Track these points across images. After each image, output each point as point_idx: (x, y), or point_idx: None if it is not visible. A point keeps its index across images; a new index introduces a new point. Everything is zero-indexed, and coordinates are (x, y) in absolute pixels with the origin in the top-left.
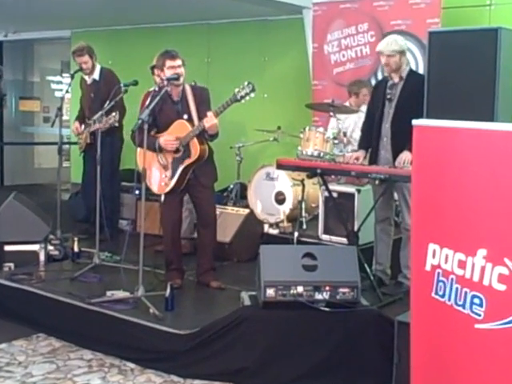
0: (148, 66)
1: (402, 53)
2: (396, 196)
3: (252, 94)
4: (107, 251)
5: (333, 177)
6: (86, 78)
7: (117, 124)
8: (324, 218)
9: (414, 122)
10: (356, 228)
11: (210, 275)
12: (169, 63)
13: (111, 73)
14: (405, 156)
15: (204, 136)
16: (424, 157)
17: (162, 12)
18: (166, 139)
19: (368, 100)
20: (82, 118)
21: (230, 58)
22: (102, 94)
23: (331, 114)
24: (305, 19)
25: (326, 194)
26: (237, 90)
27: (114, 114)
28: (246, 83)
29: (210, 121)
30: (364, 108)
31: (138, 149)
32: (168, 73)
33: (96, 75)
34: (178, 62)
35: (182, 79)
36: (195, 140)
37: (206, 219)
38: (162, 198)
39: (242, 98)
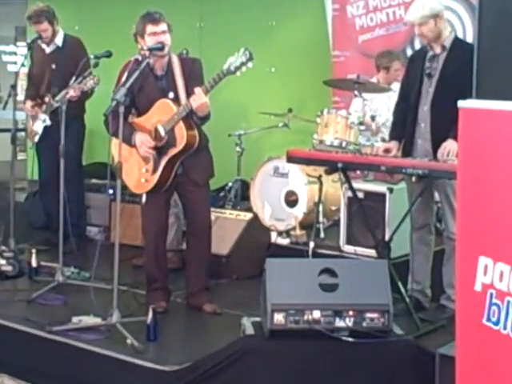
0: (131, 33)
1: (436, 16)
2: (437, 197)
3: (249, 64)
4: (73, 266)
5: (358, 172)
6: (44, 46)
7: (93, 86)
8: (347, 225)
9: (460, 103)
10: (387, 237)
11: (203, 296)
12: (150, 29)
13: (78, 41)
14: (449, 146)
15: (192, 118)
16: (472, 147)
17: None
18: (142, 140)
19: (401, 76)
20: (33, 97)
21: (229, 23)
22: (67, 66)
23: (356, 93)
24: None
25: (350, 194)
26: (231, 59)
27: (92, 75)
28: (241, 50)
29: (199, 99)
30: (396, 86)
31: (113, 139)
32: (149, 41)
33: (59, 41)
34: (162, 26)
35: (166, 49)
36: (181, 124)
37: (199, 226)
38: (143, 198)
39: (237, 69)
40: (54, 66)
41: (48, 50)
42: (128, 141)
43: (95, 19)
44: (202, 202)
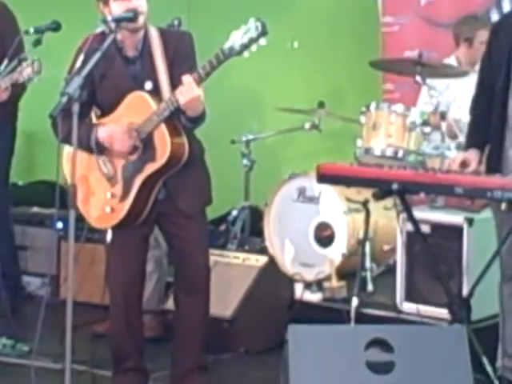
0: None
1: None
2: None
3: (262, 41)
4: (6, 336)
5: (422, 196)
6: None
7: (31, 77)
8: (406, 273)
9: None
10: (466, 291)
11: (197, 380)
12: None
13: (4, 9)
14: None
15: (180, 120)
16: None
17: None
18: (113, 131)
19: (483, 52)
20: None
21: None
22: None
23: (417, 78)
24: None
25: (410, 227)
26: (235, 33)
27: (29, 61)
28: (251, 22)
29: (188, 92)
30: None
31: (66, 147)
32: (117, 8)
33: None
34: None
35: (141, 19)
36: (163, 128)
37: (191, 277)
38: (108, 236)
39: (244, 47)
40: None
41: None
42: (86, 144)
43: None
44: (196, 240)
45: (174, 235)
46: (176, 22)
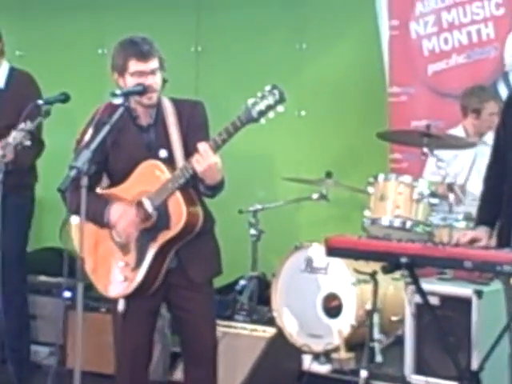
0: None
1: None
2: None
3: (279, 108)
4: None
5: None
6: None
7: (27, 143)
8: (415, 344)
9: None
10: (475, 364)
11: None
12: (135, 66)
13: (28, 78)
14: None
15: (197, 188)
16: None
17: None
18: (121, 213)
19: (497, 124)
20: None
21: (236, 46)
22: (9, 112)
23: (425, 150)
24: None
25: (418, 299)
26: (252, 100)
27: (23, 124)
28: (268, 88)
29: (205, 159)
30: (490, 138)
31: (74, 217)
32: (131, 82)
33: (0, 80)
34: (153, 64)
35: (155, 97)
36: (178, 197)
37: (198, 350)
38: (120, 305)
39: (262, 114)
40: None
41: None
42: (99, 217)
43: (46, 42)
44: (203, 313)
45: (180, 307)
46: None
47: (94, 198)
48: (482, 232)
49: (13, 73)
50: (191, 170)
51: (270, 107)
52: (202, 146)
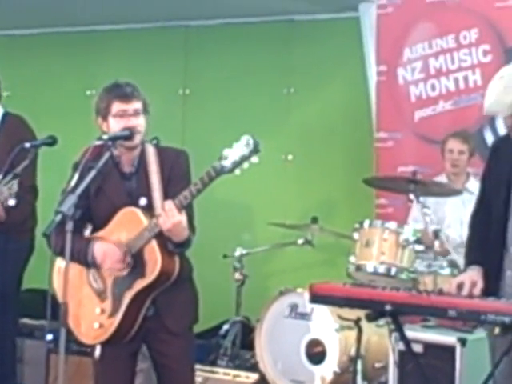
0: (87, 110)
1: None
2: None
3: (253, 159)
4: None
5: None
6: None
7: (12, 202)
8: None
9: None
10: None
11: None
12: (117, 107)
13: (21, 121)
14: None
15: (166, 245)
16: None
17: (101, 7)
18: (106, 251)
19: (483, 171)
20: None
21: (223, 90)
22: (2, 156)
23: (411, 196)
24: (363, 21)
25: (402, 346)
26: (227, 151)
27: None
28: (243, 139)
29: (170, 218)
30: (473, 185)
31: (58, 260)
32: (115, 124)
33: None
34: (135, 104)
35: (138, 138)
36: (154, 244)
37: None
38: (97, 351)
39: (236, 165)
40: None
41: None
42: (83, 256)
43: (33, 83)
44: (181, 358)
45: (159, 352)
46: (154, 142)
47: (77, 238)
48: (474, 272)
49: (6, 117)
50: (156, 227)
51: (244, 158)
52: (168, 205)
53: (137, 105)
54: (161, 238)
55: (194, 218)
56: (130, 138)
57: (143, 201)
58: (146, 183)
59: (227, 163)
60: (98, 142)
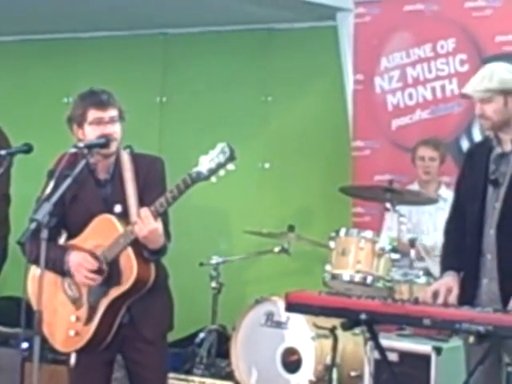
0: (64, 117)
1: (508, 94)
2: (509, 360)
3: (229, 166)
4: None
5: None
6: None
7: None
8: None
9: None
10: None
11: None
12: (93, 114)
13: None
14: None
15: (142, 253)
16: None
17: (79, 14)
18: (79, 261)
19: (457, 177)
20: None
21: (201, 98)
22: None
23: (388, 205)
24: (340, 30)
25: (377, 355)
26: (203, 158)
27: None
28: (219, 147)
29: (146, 225)
30: (446, 193)
31: (33, 268)
32: (91, 132)
33: None
34: (111, 112)
35: (114, 146)
36: (130, 252)
37: None
38: (72, 359)
39: (212, 172)
40: None
41: None
42: (59, 267)
43: (8, 89)
44: (155, 366)
45: (133, 361)
46: (128, 150)
47: (53, 246)
48: (449, 278)
49: None
50: (132, 234)
51: (220, 165)
52: (143, 212)
53: (113, 112)
54: (136, 245)
55: (169, 224)
56: (105, 145)
57: (118, 208)
58: (122, 190)
59: (203, 170)
60: (74, 150)
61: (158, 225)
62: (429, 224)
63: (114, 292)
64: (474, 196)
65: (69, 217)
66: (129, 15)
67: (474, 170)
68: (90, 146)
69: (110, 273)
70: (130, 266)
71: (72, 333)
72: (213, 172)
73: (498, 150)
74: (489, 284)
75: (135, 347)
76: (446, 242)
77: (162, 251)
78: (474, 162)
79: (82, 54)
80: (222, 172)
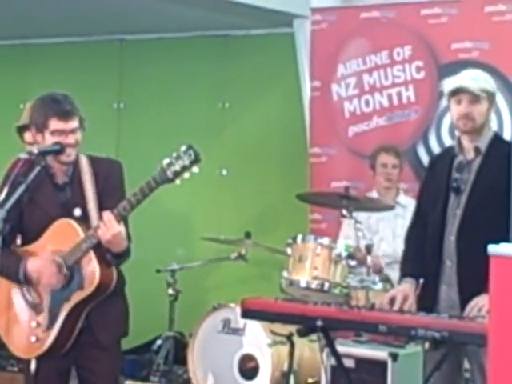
0: (14, 126)
1: (493, 100)
2: (468, 365)
3: (195, 169)
4: None
5: None
6: None
7: None
8: None
9: (492, 248)
10: None
11: None
12: (56, 125)
13: None
14: (482, 301)
15: (105, 256)
16: (509, 303)
17: (35, 20)
18: (40, 267)
19: (420, 185)
20: None
21: (158, 104)
22: None
23: (344, 212)
24: (297, 37)
25: (334, 361)
26: (167, 161)
27: None
28: (183, 149)
29: (109, 229)
30: (404, 200)
31: None
32: (50, 140)
33: None
34: (73, 123)
35: (73, 154)
36: (92, 257)
37: None
38: (32, 365)
39: (177, 175)
40: None
41: None
42: (15, 276)
43: None
44: (108, 374)
45: (86, 368)
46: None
47: (7, 254)
48: (407, 285)
49: None
50: (94, 238)
51: (185, 168)
52: (106, 216)
53: (74, 123)
54: (98, 249)
55: (128, 226)
56: (60, 152)
57: (78, 211)
58: (81, 194)
59: (168, 173)
60: (26, 156)
61: (121, 228)
62: (387, 231)
63: (77, 297)
64: (435, 203)
65: (26, 221)
66: (85, 21)
67: (436, 178)
68: (44, 153)
69: (71, 277)
70: (92, 270)
71: (33, 339)
72: (177, 175)
73: (460, 158)
74: (448, 290)
75: (89, 354)
76: (407, 247)
77: (125, 254)
78: (435, 171)
79: (39, 60)
80: (186, 174)
